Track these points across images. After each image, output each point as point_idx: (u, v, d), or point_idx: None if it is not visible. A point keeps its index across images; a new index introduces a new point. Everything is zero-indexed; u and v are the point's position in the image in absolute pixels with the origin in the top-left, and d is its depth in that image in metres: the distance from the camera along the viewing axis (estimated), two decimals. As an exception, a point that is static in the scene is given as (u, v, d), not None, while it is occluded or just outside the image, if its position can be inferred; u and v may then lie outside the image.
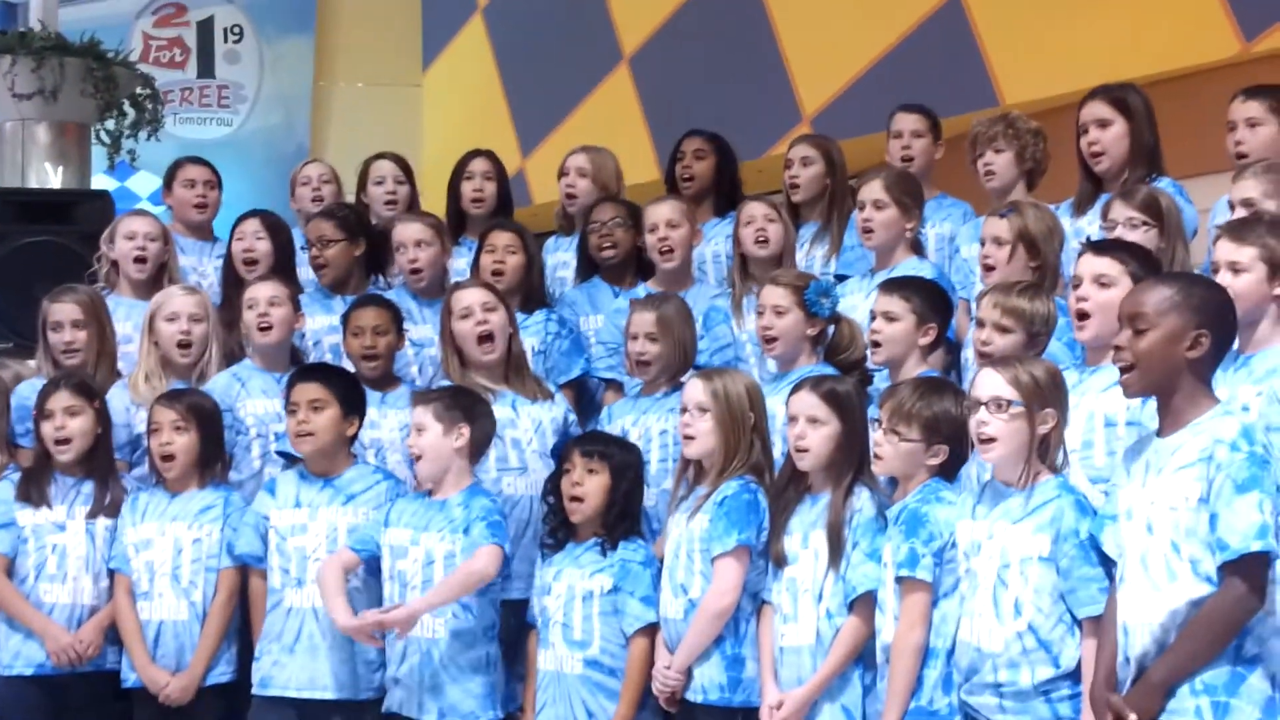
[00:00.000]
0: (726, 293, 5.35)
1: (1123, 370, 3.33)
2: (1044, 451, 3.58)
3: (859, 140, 6.11)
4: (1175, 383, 3.28)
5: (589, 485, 4.35)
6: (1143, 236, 4.32)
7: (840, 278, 5.23)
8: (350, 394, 4.66)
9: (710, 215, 5.98)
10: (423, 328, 5.42)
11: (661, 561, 4.35)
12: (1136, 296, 3.35)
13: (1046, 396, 3.57)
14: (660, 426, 4.72)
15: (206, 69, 12.91)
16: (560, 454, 4.56)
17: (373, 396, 4.92)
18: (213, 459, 4.80)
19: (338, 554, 4.49)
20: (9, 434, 5.03)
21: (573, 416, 5.05)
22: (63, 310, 5.21)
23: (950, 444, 3.85)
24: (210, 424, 4.78)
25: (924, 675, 3.74)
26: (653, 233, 5.37)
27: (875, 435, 3.94)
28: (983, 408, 3.58)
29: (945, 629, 3.73)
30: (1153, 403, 3.56)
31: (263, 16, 12.99)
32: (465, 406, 4.50)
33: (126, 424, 5.05)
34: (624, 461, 4.38)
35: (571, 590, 4.33)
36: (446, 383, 4.88)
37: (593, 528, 4.38)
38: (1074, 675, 3.47)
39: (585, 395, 5.43)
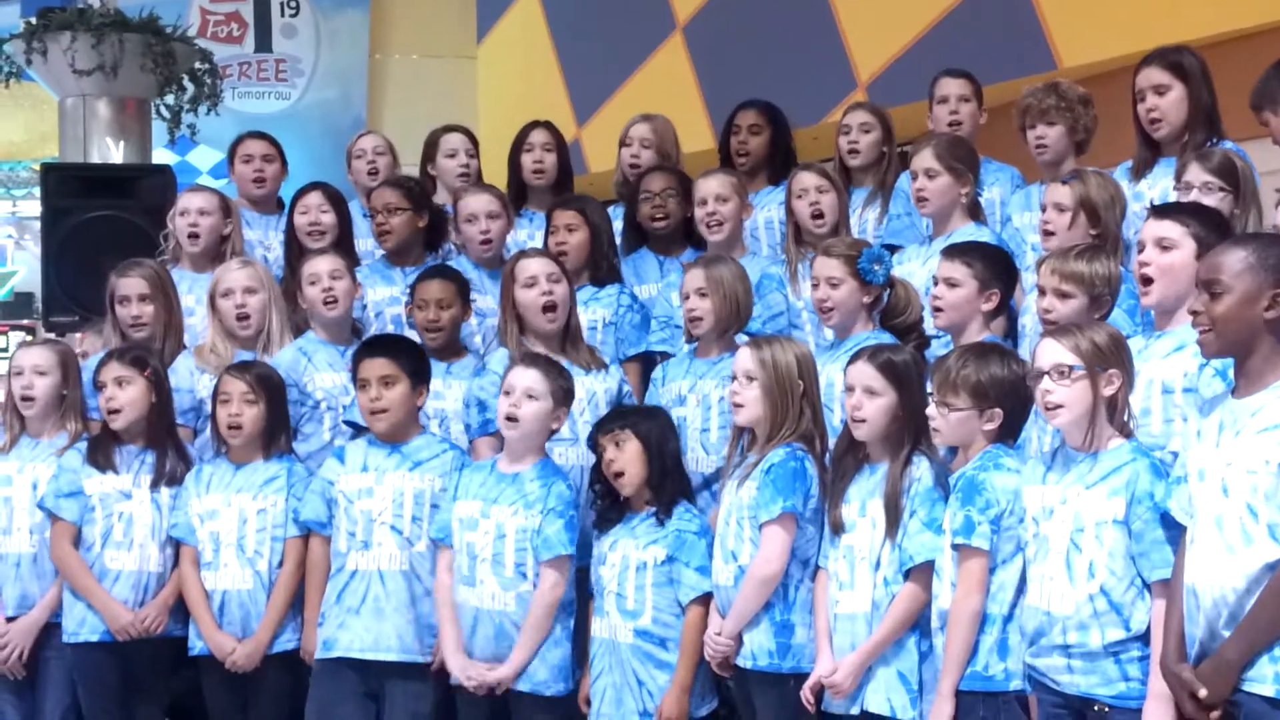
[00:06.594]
0: (781, 260, 5.35)
1: (1201, 333, 3.30)
2: (1112, 413, 3.57)
3: (916, 106, 6.07)
4: (1253, 344, 3.25)
5: (624, 457, 4.37)
6: (1218, 201, 4.29)
7: (890, 248, 5.21)
8: (418, 365, 4.71)
9: (765, 184, 5.97)
10: (486, 298, 5.44)
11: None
12: (1212, 260, 3.31)
13: (1109, 358, 3.56)
14: (719, 393, 4.69)
15: (264, 43, 13.01)
16: (590, 444, 4.56)
17: (437, 367, 4.95)
18: (277, 431, 4.85)
19: (443, 559, 4.51)
20: (84, 406, 5.09)
21: (627, 388, 5.05)
22: (129, 285, 5.28)
23: (1003, 405, 3.84)
24: (277, 396, 4.84)
25: (979, 641, 3.75)
26: (702, 205, 5.36)
27: (929, 409, 3.93)
28: (1046, 376, 3.58)
29: (1002, 596, 3.73)
30: (1209, 370, 3.55)
31: (319, -10, 13.09)
32: (570, 391, 4.54)
33: (190, 389, 5.12)
34: (647, 425, 4.40)
35: (626, 560, 4.36)
36: (540, 349, 4.83)
37: (644, 497, 4.41)
38: (1144, 637, 3.47)
39: (649, 373, 5.39)
